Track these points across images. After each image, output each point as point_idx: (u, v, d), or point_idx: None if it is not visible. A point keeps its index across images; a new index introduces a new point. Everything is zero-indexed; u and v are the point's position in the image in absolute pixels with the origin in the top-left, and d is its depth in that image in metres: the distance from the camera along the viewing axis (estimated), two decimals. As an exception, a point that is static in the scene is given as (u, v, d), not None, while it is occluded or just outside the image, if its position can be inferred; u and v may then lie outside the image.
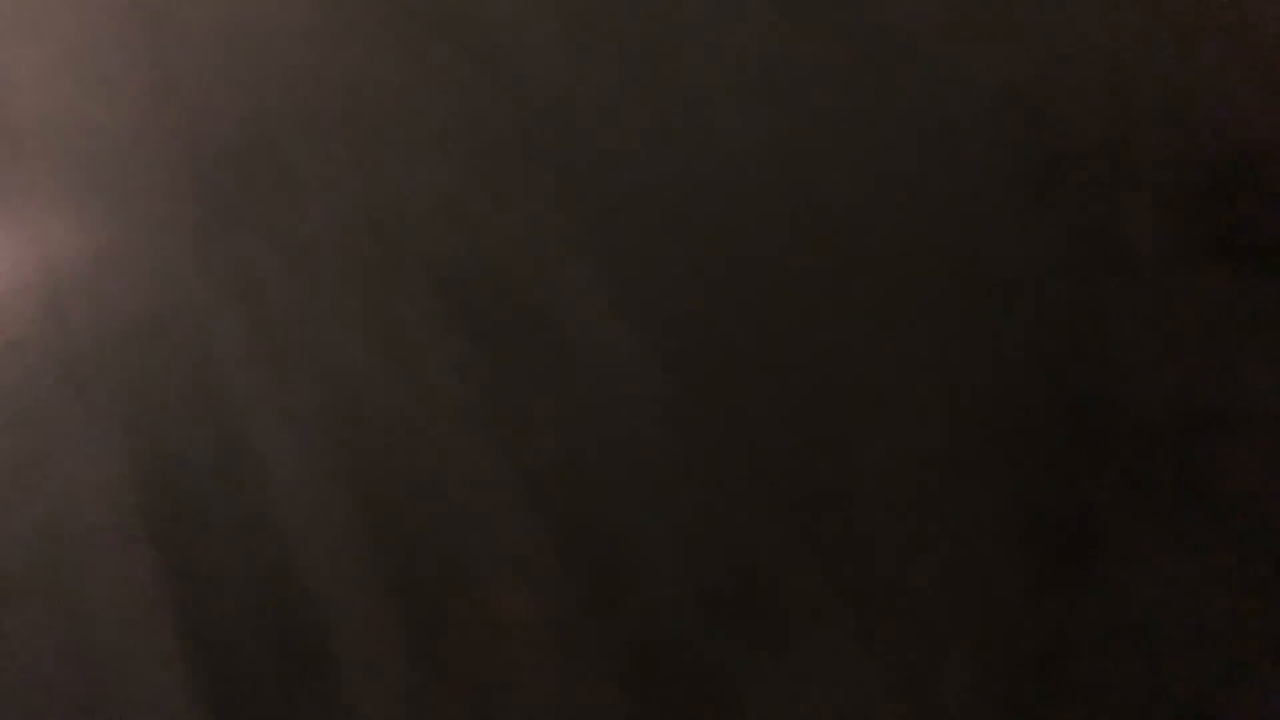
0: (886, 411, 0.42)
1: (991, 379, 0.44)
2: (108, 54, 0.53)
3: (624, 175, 0.49)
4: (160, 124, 0.49)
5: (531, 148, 0.50)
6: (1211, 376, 0.44)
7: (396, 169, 0.49)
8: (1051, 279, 0.46)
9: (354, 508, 0.38)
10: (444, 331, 0.43)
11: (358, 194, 0.48)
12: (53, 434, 0.38)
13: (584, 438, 0.41)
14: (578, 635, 0.36)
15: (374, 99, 0.51)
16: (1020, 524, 0.41)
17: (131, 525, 0.36)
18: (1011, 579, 0.40)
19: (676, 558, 0.38)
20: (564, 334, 0.44)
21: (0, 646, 0.34)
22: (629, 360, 0.44)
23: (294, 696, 0.34)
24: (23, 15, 0.49)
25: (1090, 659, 0.39)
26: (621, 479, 0.40)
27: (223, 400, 0.40)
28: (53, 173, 0.47)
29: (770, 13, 0.51)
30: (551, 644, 0.36)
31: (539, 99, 0.51)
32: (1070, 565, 0.41)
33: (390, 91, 0.52)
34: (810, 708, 0.36)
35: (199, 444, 0.39)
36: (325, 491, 0.38)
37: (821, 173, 0.49)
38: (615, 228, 0.48)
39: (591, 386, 0.43)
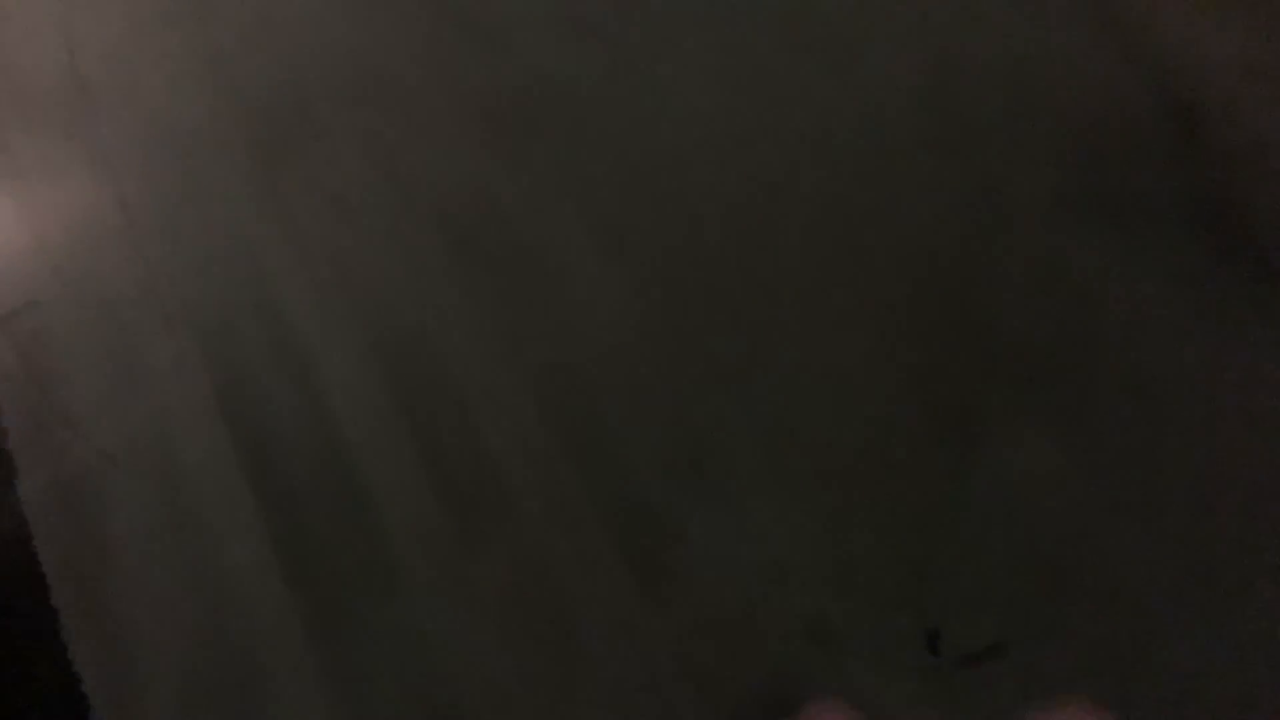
0: (814, 325, 0.52)
1: (898, 301, 0.54)
2: (166, 30, 0.61)
3: (606, 140, 0.58)
4: (211, 89, 0.58)
5: (528, 116, 0.59)
6: (1078, 303, 0.54)
7: (413, 131, 0.59)
8: (950, 230, 0.56)
9: (387, 393, 0.47)
10: (454, 262, 0.53)
11: (381, 150, 0.58)
12: (141, 341, 0.47)
13: (570, 346, 0.51)
14: (568, 496, 0.45)
15: (392, 73, 0.60)
16: (920, 414, 0.51)
17: (207, 406, 0.45)
18: (912, 456, 0.50)
19: (644, 438, 0.48)
20: (554, 266, 0.54)
21: (110, 502, 0.43)
22: (606, 287, 0.53)
23: (343, 537, 0.43)
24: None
25: (973, 519, 0.49)
26: (600, 377, 0.49)
27: (276, 311, 0.49)
28: (123, 128, 0.56)
29: (732, 17, 0.61)
30: (547, 504, 0.45)
31: (534, 76, 0.60)
32: (961, 446, 0.51)
33: (406, 67, 0.61)
34: (747, 549, 0.46)
35: (258, 344, 0.48)
36: (363, 381, 0.47)
37: (768, 141, 0.59)
38: (598, 183, 0.57)
39: (576, 306, 0.52)
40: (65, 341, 0.49)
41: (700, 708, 0.42)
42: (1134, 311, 0.56)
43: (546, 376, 0.49)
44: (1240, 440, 0.51)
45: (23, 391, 0.46)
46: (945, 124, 0.60)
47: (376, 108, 0.60)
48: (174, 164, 0.56)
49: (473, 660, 0.42)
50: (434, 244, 0.54)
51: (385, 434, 0.46)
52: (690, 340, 0.52)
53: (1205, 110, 0.61)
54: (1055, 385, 0.54)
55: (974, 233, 0.58)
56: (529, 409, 0.48)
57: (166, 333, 0.48)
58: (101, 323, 0.50)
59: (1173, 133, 0.60)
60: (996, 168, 0.60)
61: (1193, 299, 0.56)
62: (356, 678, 0.41)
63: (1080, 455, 0.52)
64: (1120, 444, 0.52)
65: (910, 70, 0.61)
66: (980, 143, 0.60)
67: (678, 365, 0.50)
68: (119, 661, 0.40)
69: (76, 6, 0.56)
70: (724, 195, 0.58)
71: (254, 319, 0.50)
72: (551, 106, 0.59)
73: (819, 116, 0.61)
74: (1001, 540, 0.50)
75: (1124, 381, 0.54)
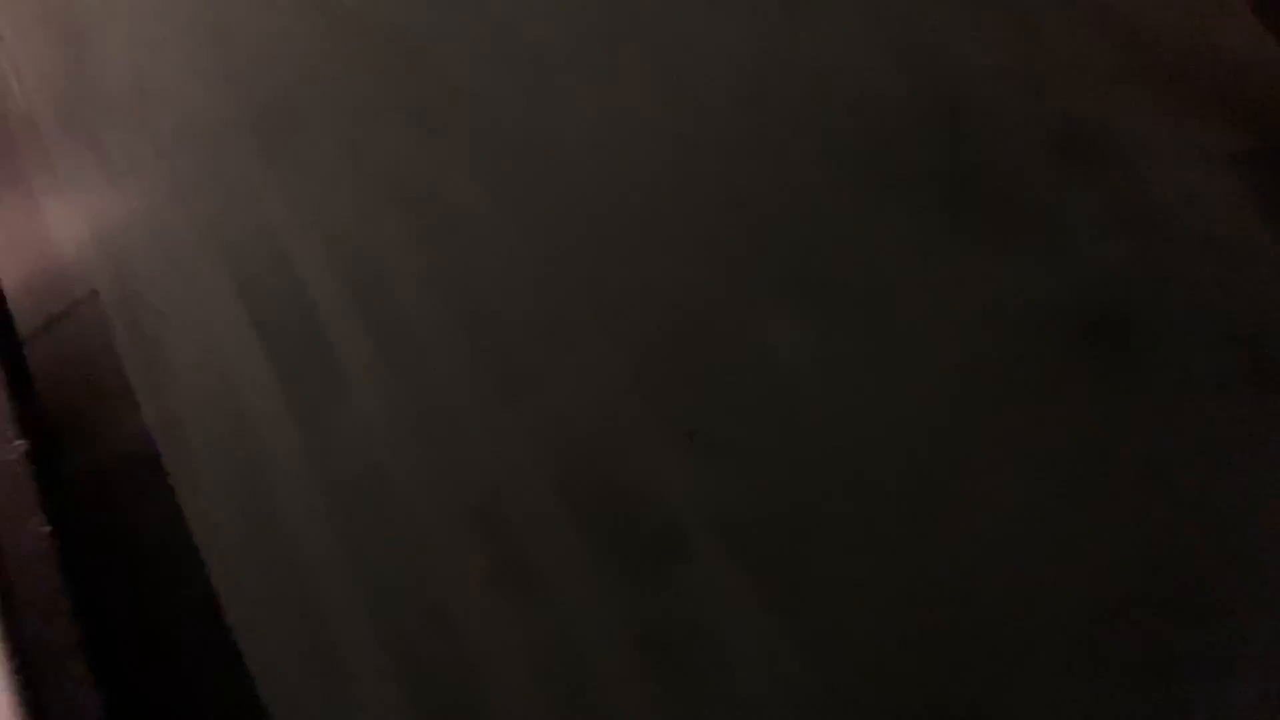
0: (643, 249, 0.74)
1: (723, 242, 0.76)
2: (178, 36, 0.83)
3: (510, 135, 0.79)
4: (220, 86, 0.80)
5: (449, 120, 0.80)
6: (842, 231, 0.76)
7: (367, 129, 0.80)
8: (771, 193, 0.77)
9: (356, 302, 0.71)
10: (405, 221, 0.75)
11: (347, 142, 0.80)
12: (193, 283, 0.71)
13: (485, 284, 0.74)
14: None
15: (346, 82, 0.82)
16: (709, 309, 0.74)
17: (243, 325, 0.70)
18: (698, 337, 0.72)
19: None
20: (470, 225, 0.76)
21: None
22: (505, 226, 0.76)
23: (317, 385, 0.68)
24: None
25: (743, 390, 0.72)
26: (508, 298, 0.73)
27: (283, 248, 0.73)
28: (142, 115, 0.79)
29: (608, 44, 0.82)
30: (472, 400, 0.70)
31: (453, 83, 0.80)
32: (736, 330, 0.74)
33: (355, 80, 0.82)
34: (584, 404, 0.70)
35: (274, 276, 0.72)
36: (344, 292, 0.71)
37: (632, 135, 0.80)
38: (503, 168, 0.78)
39: (488, 254, 0.75)
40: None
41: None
42: (885, 245, 0.77)
43: (469, 298, 0.72)
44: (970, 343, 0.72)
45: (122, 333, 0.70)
46: (766, 111, 0.81)
47: (351, 105, 0.82)
48: (194, 147, 0.78)
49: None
50: (390, 210, 0.77)
51: (355, 325, 0.69)
52: (570, 278, 0.74)
53: (966, 105, 0.83)
54: (818, 293, 0.74)
55: (785, 193, 0.79)
56: (457, 322, 0.71)
57: (206, 274, 0.72)
58: (164, 281, 0.74)
59: (939, 123, 0.82)
60: (804, 150, 0.80)
61: (933, 242, 0.77)
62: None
63: (831, 347, 0.70)
64: (864, 344, 0.73)
65: (735, 71, 0.82)
66: (791, 128, 0.81)
67: (564, 298, 0.73)
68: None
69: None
70: (600, 177, 0.79)
71: (268, 256, 0.73)
72: (461, 107, 0.80)
73: (673, 114, 0.82)
74: (768, 413, 0.73)
75: (868, 291, 0.75)
